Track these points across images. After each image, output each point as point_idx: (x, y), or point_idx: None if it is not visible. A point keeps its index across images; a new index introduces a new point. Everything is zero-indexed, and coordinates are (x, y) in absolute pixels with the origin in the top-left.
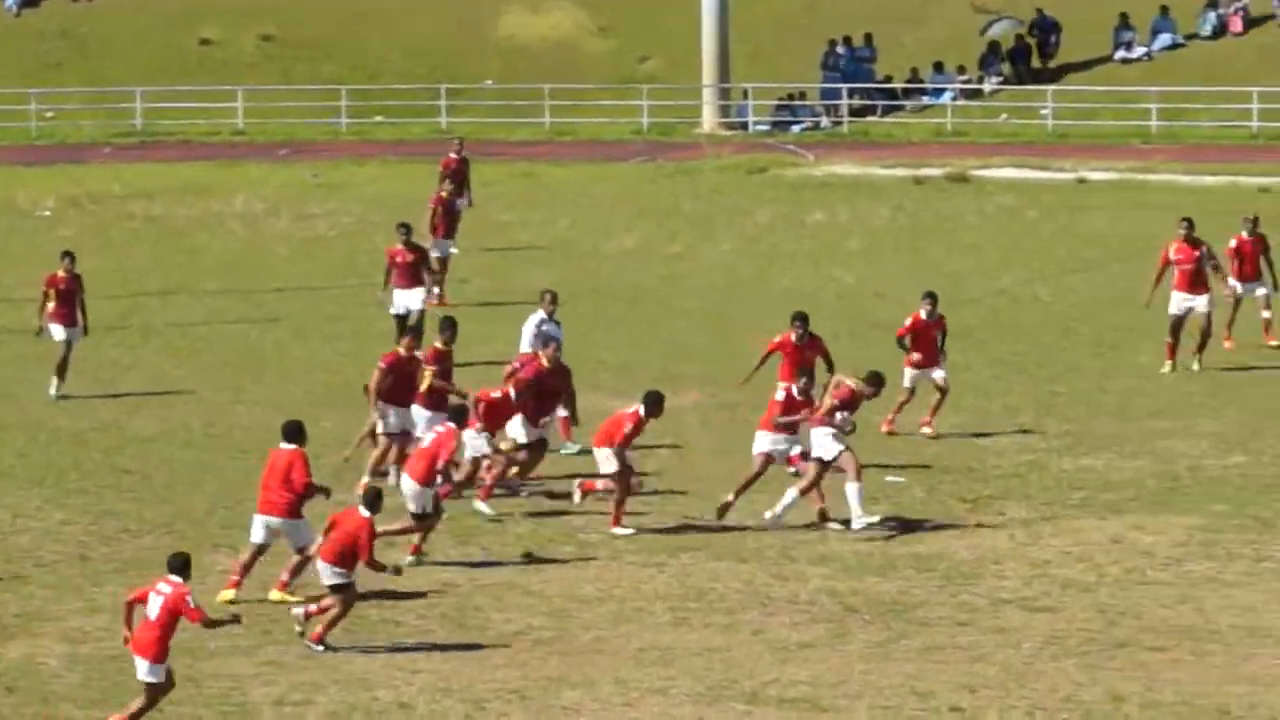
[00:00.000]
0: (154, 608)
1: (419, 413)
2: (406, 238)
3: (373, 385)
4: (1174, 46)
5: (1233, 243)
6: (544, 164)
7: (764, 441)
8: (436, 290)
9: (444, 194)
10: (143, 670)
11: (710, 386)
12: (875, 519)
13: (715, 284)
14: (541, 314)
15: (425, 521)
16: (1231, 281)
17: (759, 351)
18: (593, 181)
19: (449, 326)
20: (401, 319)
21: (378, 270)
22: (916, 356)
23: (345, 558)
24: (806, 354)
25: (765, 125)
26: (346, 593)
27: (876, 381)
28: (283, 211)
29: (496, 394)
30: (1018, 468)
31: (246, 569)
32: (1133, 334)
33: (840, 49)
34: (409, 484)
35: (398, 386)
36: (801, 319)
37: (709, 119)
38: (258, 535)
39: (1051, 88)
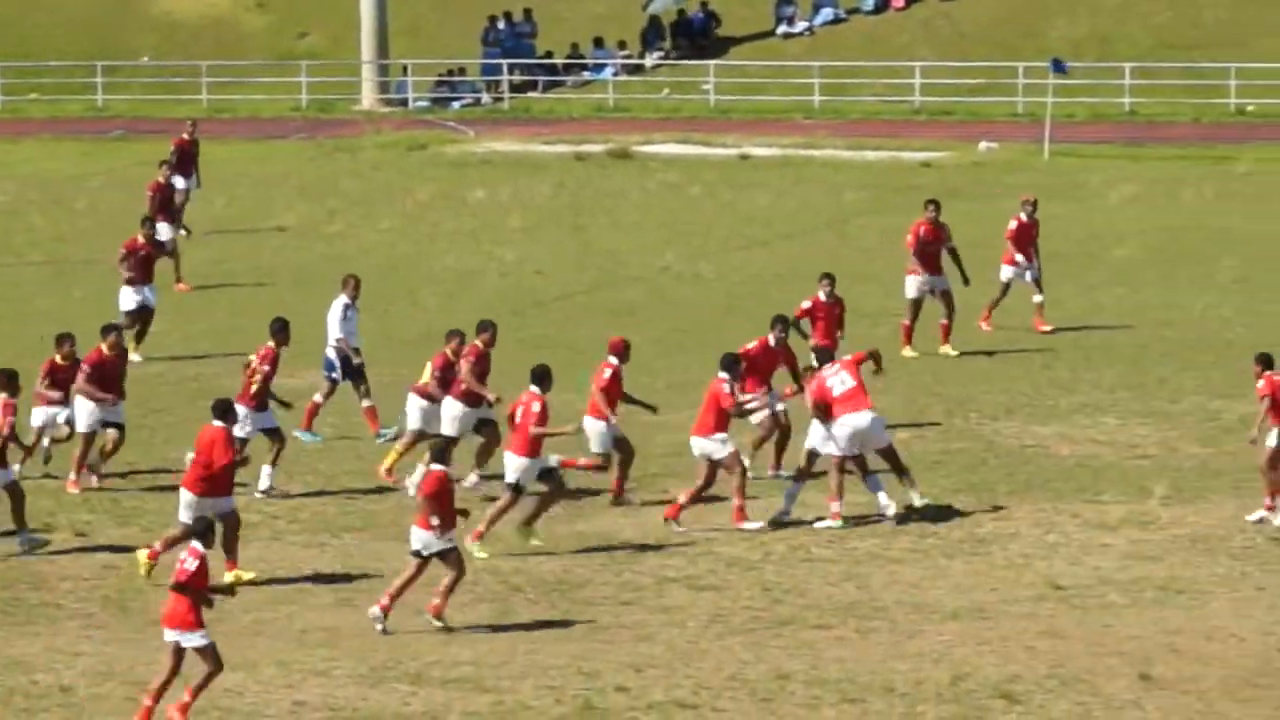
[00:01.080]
0: (172, 576)
1: (244, 413)
2: (149, 232)
3: (76, 385)
4: (836, 21)
5: (1012, 224)
6: (202, 142)
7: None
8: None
9: (161, 179)
10: (188, 640)
11: (371, 366)
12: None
13: (376, 263)
14: (345, 299)
15: (551, 494)
16: (1018, 258)
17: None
18: (252, 160)
19: (282, 329)
20: (133, 313)
21: (34, 249)
22: (814, 341)
23: (442, 519)
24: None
25: (425, 102)
26: (453, 555)
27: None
28: None
29: (607, 373)
30: (682, 446)
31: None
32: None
33: (500, 24)
34: (511, 457)
35: (103, 385)
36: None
37: (368, 96)
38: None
39: (713, 63)
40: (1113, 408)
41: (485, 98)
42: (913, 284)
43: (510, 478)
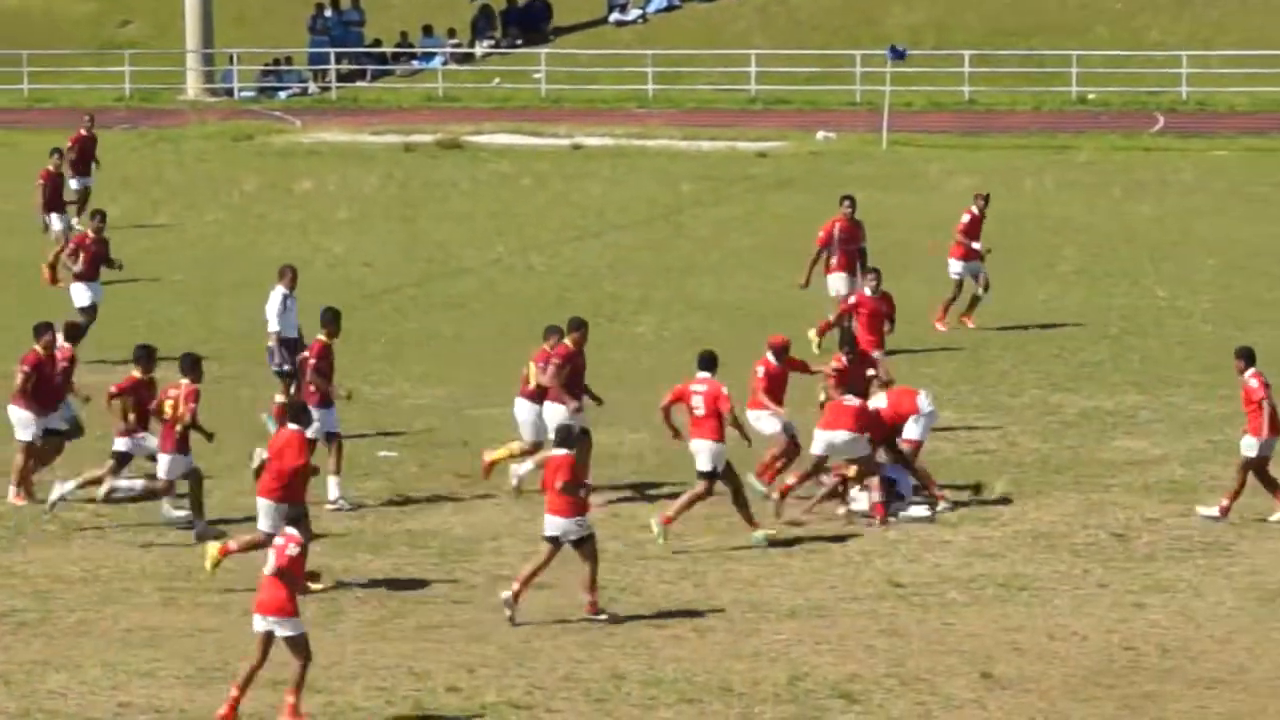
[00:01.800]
0: (269, 564)
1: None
2: (99, 225)
3: (18, 387)
4: (669, 8)
5: (965, 218)
6: (23, 132)
7: None
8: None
9: (52, 168)
10: (283, 629)
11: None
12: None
13: (201, 256)
14: (282, 290)
15: (719, 481)
16: (975, 247)
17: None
18: None
19: (333, 319)
20: (88, 310)
21: None
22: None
23: (576, 504)
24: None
25: (251, 91)
26: (590, 544)
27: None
28: None
29: (762, 370)
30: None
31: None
32: (629, 304)
33: (328, 12)
34: (702, 443)
35: (40, 388)
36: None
37: (193, 85)
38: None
39: (545, 51)
40: (952, 401)
41: (312, 87)
42: (839, 281)
43: (704, 466)
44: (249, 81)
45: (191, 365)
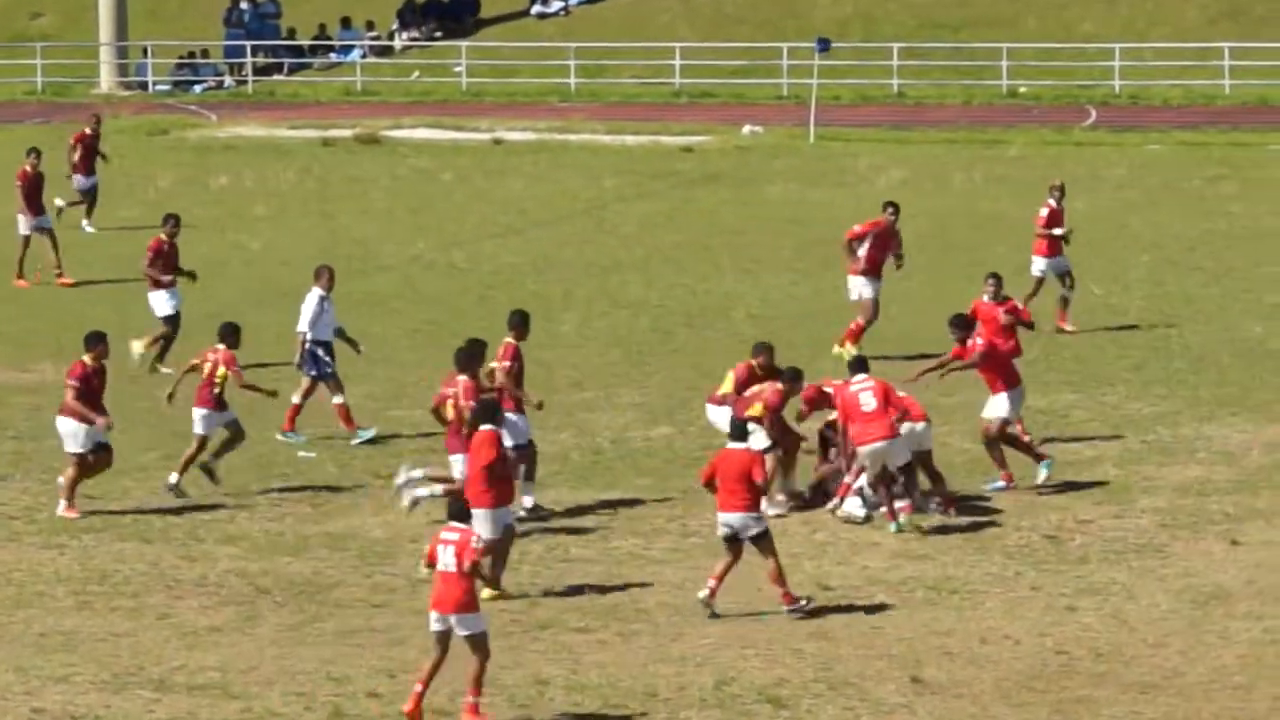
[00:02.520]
0: (449, 559)
1: (513, 421)
2: (174, 230)
3: (69, 401)
4: (593, 1)
5: (1043, 212)
6: None
7: None
8: (56, 268)
9: (29, 168)
10: (464, 627)
11: (111, 358)
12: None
13: (117, 252)
14: (319, 291)
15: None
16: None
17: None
18: None
19: (521, 322)
20: (171, 319)
21: None
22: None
23: (751, 500)
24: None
25: (166, 85)
26: (768, 539)
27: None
28: None
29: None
30: (433, 442)
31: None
32: (553, 302)
33: (244, 4)
34: (881, 447)
35: (88, 400)
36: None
37: (107, 79)
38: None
39: (466, 44)
40: None
41: (228, 80)
42: (858, 285)
43: (900, 461)
44: (164, 75)
45: (468, 360)
